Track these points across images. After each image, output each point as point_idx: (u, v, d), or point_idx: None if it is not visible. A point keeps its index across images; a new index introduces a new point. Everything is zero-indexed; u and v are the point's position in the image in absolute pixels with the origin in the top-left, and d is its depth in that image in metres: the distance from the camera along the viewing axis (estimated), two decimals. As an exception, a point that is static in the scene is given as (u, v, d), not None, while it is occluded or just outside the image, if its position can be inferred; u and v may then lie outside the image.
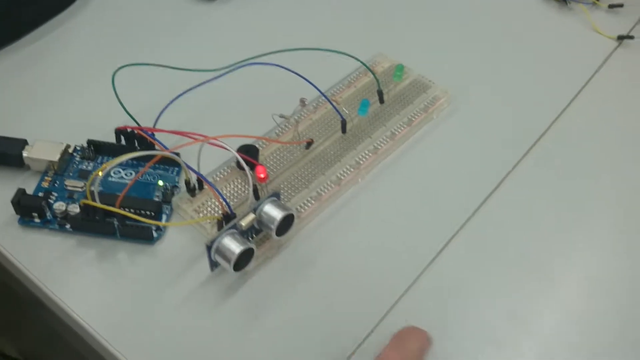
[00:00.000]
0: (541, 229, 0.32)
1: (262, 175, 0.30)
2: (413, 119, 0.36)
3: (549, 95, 0.39)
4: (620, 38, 0.42)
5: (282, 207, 0.29)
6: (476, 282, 0.30)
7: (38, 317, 0.38)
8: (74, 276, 0.29)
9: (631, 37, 0.42)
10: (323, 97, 0.34)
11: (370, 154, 0.34)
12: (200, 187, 0.31)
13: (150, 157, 0.30)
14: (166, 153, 0.29)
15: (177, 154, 0.30)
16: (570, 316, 0.29)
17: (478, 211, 0.33)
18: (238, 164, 0.32)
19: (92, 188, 0.28)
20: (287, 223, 0.29)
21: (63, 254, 0.30)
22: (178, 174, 0.33)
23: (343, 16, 0.44)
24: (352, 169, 0.33)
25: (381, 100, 0.36)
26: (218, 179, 0.32)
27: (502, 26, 0.44)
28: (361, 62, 0.36)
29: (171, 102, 0.33)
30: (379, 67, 0.39)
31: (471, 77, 0.40)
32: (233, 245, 0.27)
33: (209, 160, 0.31)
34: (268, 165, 0.33)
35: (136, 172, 0.32)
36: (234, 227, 0.28)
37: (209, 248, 0.27)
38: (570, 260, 0.31)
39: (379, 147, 0.34)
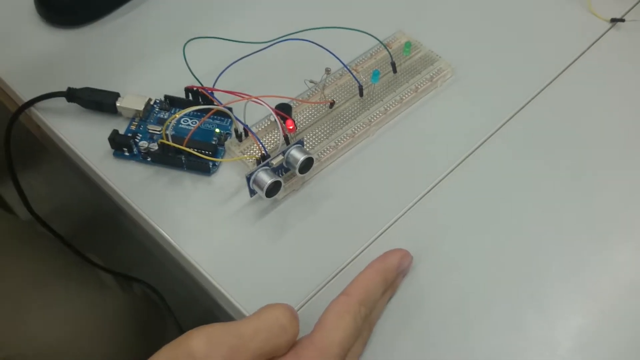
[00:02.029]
0: (525, 179, 0.40)
1: (290, 127, 0.40)
2: (419, 87, 0.44)
3: (538, 69, 0.46)
4: (613, 21, 0.48)
5: (304, 151, 0.38)
6: (462, 216, 0.39)
7: (123, 229, 0.49)
8: (153, 196, 0.40)
9: (622, 20, 0.48)
10: (345, 68, 0.43)
11: (380, 114, 0.43)
12: (246, 134, 0.41)
13: (209, 109, 0.40)
14: (220, 107, 0.39)
15: (230, 109, 0.40)
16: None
17: (468, 158, 0.41)
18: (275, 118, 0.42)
19: (167, 132, 0.39)
20: (308, 164, 0.39)
21: (145, 180, 0.40)
22: (230, 124, 0.43)
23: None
24: (364, 125, 0.42)
25: (394, 71, 0.45)
26: (260, 129, 0.42)
27: (507, 4, 0.51)
28: (377, 39, 0.44)
29: (226, 67, 0.42)
30: (396, 43, 0.47)
31: (474, 51, 0.47)
32: (266, 177, 0.37)
33: (253, 114, 0.41)
34: (298, 120, 0.42)
35: (199, 121, 0.43)
36: (267, 164, 0.38)
37: (248, 179, 0.37)
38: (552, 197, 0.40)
39: (389, 108, 0.43)
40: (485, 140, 0.42)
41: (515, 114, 0.44)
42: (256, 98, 0.39)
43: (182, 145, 0.39)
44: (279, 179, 0.37)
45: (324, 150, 0.41)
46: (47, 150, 0.52)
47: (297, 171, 0.38)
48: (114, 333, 0.57)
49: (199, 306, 0.45)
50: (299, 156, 0.38)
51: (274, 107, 0.40)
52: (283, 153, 0.38)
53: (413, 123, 0.43)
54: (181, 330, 0.75)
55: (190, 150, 0.39)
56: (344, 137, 0.42)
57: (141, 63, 0.47)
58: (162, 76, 0.46)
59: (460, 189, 0.40)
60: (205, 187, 0.40)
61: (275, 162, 0.38)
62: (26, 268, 0.55)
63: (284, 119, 0.40)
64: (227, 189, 0.40)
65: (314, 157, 0.39)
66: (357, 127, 0.42)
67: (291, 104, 0.43)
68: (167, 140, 0.39)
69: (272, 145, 0.41)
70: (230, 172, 0.41)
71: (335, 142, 0.41)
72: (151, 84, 0.45)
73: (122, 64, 0.47)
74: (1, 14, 0.50)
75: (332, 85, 0.44)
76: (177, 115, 0.38)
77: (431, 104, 0.44)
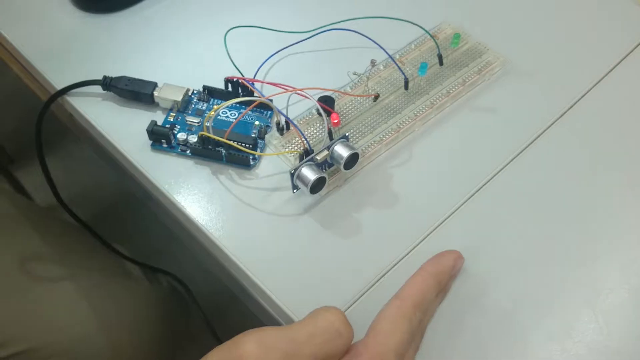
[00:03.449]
0: (575, 178, 0.39)
1: (335, 121, 0.38)
2: (467, 80, 0.42)
3: (587, 65, 0.44)
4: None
5: (349, 147, 0.37)
6: (517, 214, 0.37)
7: (148, 219, 0.48)
8: (192, 189, 0.39)
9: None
10: (391, 59, 0.41)
11: (426, 108, 0.41)
12: (287, 127, 0.40)
13: (251, 102, 0.38)
14: (263, 99, 0.38)
15: (271, 100, 0.38)
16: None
17: (522, 153, 0.40)
18: (318, 110, 0.40)
19: (207, 124, 0.37)
20: (353, 160, 0.37)
21: (184, 172, 0.39)
22: (270, 116, 0.41)
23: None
24: (410, 120, 0.41)
25: (441, 63, 0.43)
26: (301, 122, 0.40)
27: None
28: (424, 29, 0.43)
29: (268, 58, 0.41)
30: (442, 34, 0.45)
31: (523, 43, 0.45)
32: (310, 173, 0.36)
33: (294, 106, 0.40)
34: (341, 113, 0.41)
35: (237, 113, 0.41)
36: (312, 159, 0.36)
37: (292, 174, 0.36)
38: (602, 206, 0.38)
39: (435, 102, 0.41)
40: (538, 136, 0.41)
41: (570, 107, 0.42)
42: (300, 90, 0.38)
43: (222, 137, 0.38)
44: (324, 174, 0.36)
45: (368, 145, 0.39)
46: (67, 138, 0.51)
47: (342, 167, 0.37)
48: (139, 325, 0.56)
49: (224, 296, 0.44)
50: (344, 152, 0.37)
51: (316, 99, 0.39)
52: (327, 148, 0.37)
53: (462, 117, 0.42)
54: (207, 322, 0.75)
55: (231, 143, 0.38)
56: (389, 131, 0.40)
57: (177, 52, 0.46)
58: (199, 66, 0.44)
59: (514, 185, 0.38)
60: (245, 181, 0.39)
61: (319, 157, 0.36)
62: (49, 259, 0.55)
63: (327, 113, 0.39)
64: (268, 183, 0.39)
65: (359, 152, 0.37)
66: (403, 121, 0.40)
67: (334, 96, 0.41)
68: (208, 132, 0.37)
69: (313, 139, 0.40)
70: (270, 166, 0.40)
71: (380, 137, 0.40)
72: (188, 74, 0.44)
73: (158, 52, 0.46)
74: (33, 0, 0.49)
75: (376, 77, 0.43)
76: (219, 108, 0.36)
77: (480, 98, 0.43)
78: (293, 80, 0.39)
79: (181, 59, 0.45)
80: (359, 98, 0.41)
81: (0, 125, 1.19)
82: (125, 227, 1.03)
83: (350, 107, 0.41)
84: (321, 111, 0.38)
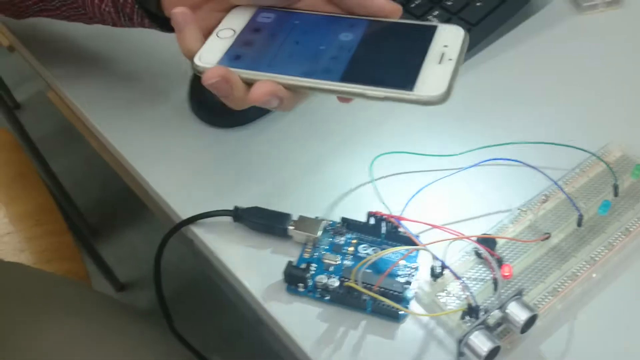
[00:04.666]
0: None
1: (506, 274, 0.32)
2: (650, 215, 0.36)
3: None
4: None
5: (527, 306, 0.31)
6: None
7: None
8: (329, 343, 0.33)
9: None
10: (563, 193, 0.35)
11: (605, 250, 0.35)
12: (441, 273, 0.34)
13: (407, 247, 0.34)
14: (421, 247, 0.33)
15: (426, 248, 0.33)
16: None
17: None
18: (477, 253, 0.35)
19: (358, 277, 0.32)
20: (530, 322, 0.31)
21: (321, 322, 0.34)
22: (416, 255, 0.36)
23: (565, 108, 0.43)
24: (587, 265, 0.34)
25: (615, 194, 0.37)
26: (458, 266, 0.35)
27: None
28: (595, 155, 0.37)
29: (418, 191, 0.36)
30: (610, 157, 0.39)
31: None
32: (483, 341, 0.30)
33: (443, 243, 0.34)
34: (504, 255, 0.35)
35: (379, 248, 0.36)
36: (483, 323, 0.31)
37: (459, 341, 0.30)
38: None
39: (614, 243, 0.35)
40: None
41: None
42: (467, 238, 0.32)
43: (371, 290, 0.33)
44: (499, 343, 0.30)
45: (541, 298, 0.33)
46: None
47: (518, 331, 0.31)
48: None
49: None
50: (521, 313, 0.31)
51: (476, 240, 0.33)
52: (500, 308, 0.31)
53: (645, 262, 0.35)
54: None
55: (381, 298, 0.33)
56: (563, 280, 0.34)
57: (314, 177, 0.41)
58: (339, 194, 0.40)
59: None
60: (393, 338, 0.33)
61: (492, 320, 0.31)
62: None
63: (496, 261, 0.33)
64: (420, 343, 0.33)
65: (537, 312, 0.31)
66: (578, 267, 0.34)
67: (495, 239, 0.35)
68: (357, 285, 0.33)
69: (473, 289, 0.34)
70: (421, 320, 0.34)
71: (553, 287, 0.34)
72: (322, 202, 0.39)
73: (286, 174, 0.41)
74: (158, 120, 0.46)
75: (540, 209, 0.37)
76: (372, 258, 0.32)
77: (666, 237, 0.36)
78: (446, 217, 0.34)
79: (310, 183, 0.41)
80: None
81: (84, 194, 1.19)
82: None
83: (511, 248, 0.35)
84: (489, 258, 0.33)
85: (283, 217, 0.37)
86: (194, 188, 0.41)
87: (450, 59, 0.30)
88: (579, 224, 0.36)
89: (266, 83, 0.31)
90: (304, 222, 0.37)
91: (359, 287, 0.32)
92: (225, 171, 0.42)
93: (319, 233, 0.36)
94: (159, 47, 0.45)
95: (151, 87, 0.47)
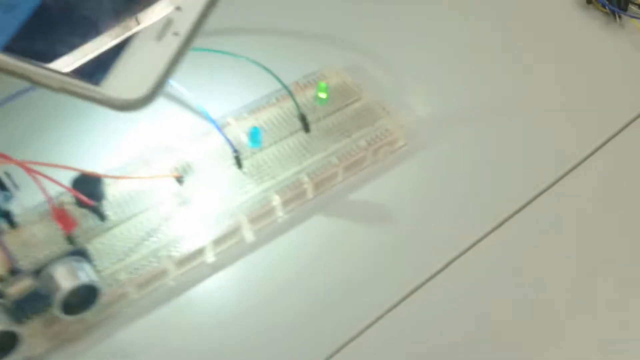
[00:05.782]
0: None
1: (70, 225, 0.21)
2: (349, 157, 0.25)
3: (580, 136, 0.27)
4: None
5: (81, 274, 0.20)
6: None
7: None
8: None
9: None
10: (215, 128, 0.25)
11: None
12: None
13: None
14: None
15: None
16: None
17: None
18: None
19: None
20: (87, 298, 0.20)
21: None
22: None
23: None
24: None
25: (306, 129, 0.26)
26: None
27: (534, 41, 0.32)
28: (277, 78, 0.26)
29: None
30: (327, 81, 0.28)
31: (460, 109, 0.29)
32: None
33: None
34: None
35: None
36: (-1, 295, 0.19)
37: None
38: None
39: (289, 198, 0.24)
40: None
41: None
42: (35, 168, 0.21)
43: None
44: (15, 328, 0.19)
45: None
46: None
47: (61, 312, 0.20)
48: None
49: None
50: (65, 282, 0.19)
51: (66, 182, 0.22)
52: (37, 273, 0.20)
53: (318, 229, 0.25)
54: None
55: None
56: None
57: None
58: None
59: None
60: None
61: (14, 290, 0.19)
62: None
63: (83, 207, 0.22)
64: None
65: (100, 286, 0.20)
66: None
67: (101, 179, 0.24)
68: None
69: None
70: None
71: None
72: None
73: None
74: None
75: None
76: None
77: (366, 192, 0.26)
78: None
79: None
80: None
81: None
82: None
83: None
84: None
85: None
86: None
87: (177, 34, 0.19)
88: (239, 166, 0.25)
89: None
90: None
91: None
92: None
93: None
94: None
95: None
